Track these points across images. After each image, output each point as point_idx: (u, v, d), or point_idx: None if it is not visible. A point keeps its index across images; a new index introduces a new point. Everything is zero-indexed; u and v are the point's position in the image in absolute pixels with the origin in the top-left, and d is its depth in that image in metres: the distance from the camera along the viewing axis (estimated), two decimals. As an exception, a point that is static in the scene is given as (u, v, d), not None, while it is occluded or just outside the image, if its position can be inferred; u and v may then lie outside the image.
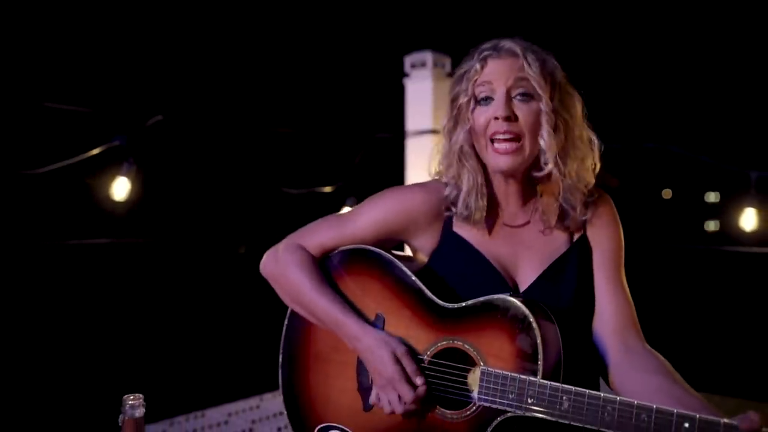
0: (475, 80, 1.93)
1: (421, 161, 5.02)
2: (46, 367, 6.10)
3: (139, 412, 1.66)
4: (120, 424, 1.67)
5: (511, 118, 1.87)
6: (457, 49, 5.17)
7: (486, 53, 1.93)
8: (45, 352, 6.25)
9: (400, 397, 1.85)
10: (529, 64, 1.90)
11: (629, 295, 2.02)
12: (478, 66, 1.93)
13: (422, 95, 5.09)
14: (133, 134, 3.45)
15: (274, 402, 3.78)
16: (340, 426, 2.06)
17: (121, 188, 3.63)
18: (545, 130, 1.90)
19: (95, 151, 3.43)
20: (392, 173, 5.04)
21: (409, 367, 1.86)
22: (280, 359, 2.16)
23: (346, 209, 4.91)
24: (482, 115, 1.91)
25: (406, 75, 5.12)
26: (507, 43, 1.95)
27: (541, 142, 1.91)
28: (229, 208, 6.05)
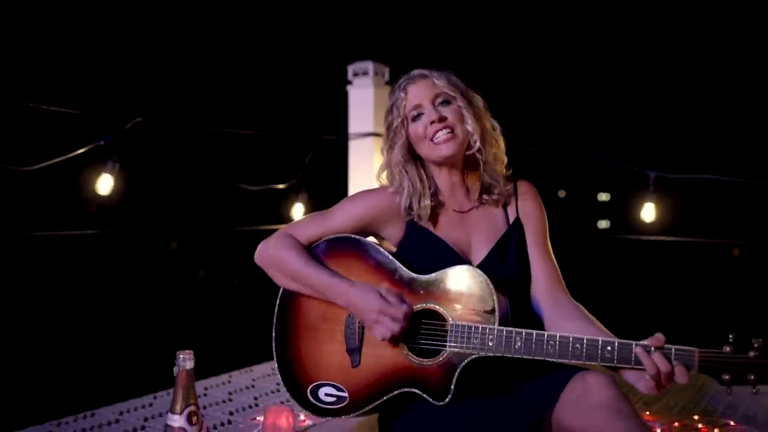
0: (404, 104, 2.41)
1: (363, 160, 5.33)
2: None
3: (190, 364, 1.97)
4: (174, 375, 1.98)
5: (442, 119, 2.34)
6: (395, 60, 5.48)
7: (404, 83, 2.44)
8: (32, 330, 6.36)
9: (393, 318, 2.20)
10: (437, 80, 2.38)
11: (554, 259, 2.48)
12: (402, 94, 2.42)
13: (364, 101, 5.28)
14: (117, 135, 3.68)
15: (242, 378, 4.04)
16: (331, 382, 2.40)
17: (105, 184, 3.86)
18: (468, 119, 2.37)
19: (82, 150, 3.66)
20: (338, 171, 5.36)
21: (392, 297, 2.22)
22: (274, 333, 2.49)
23: (298, 205, 5.22)
24: (419, 126, 2.39)
25: (349, 82, 5.33)
26: (416, 71, 2.45)
27: (468, 128, 2.37)
28: (195, 201, 6.29)
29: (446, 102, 2.40)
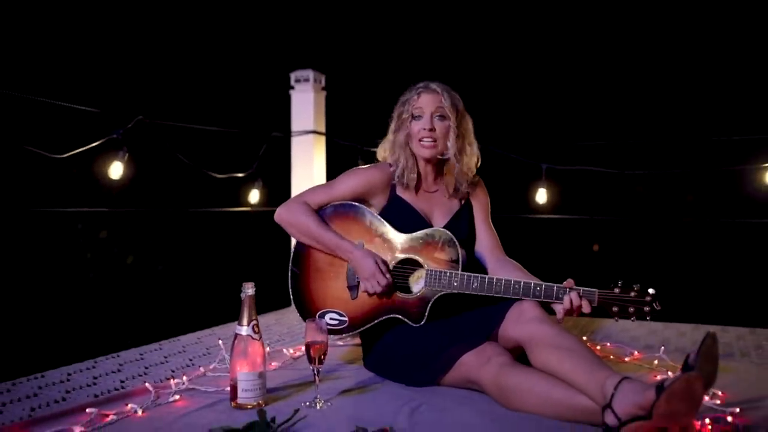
0: (413, 104, 3.02)
1: (304, 154, 5.87)
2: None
3: (251, 291, 2.58)
4: (242, 299, 2.57)
5: (433, 129, 3.00)
6: (331, 69, 6.01)
7: (420, 89, 3.03)
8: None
9: (378, 283, 2.91)
10: (445, 99, 3.00)
11: (494, 230, 3.23)
12: (415, 96, 3.03)
13: (305, 103, 5.82)
14: (127, 129, 4.29)
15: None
16: (335, 310, 3.07)
17: (116, 170, 4.48)
18: (451, 138, 3.04)
19: (100, 141, 4.29)
20: (284, 163, 5.97)
21: (383, 267, 2.93)
22: (290, 274, 3.11)
23: (254, 191, 5.83)
24: (416, 126, 3.03)
25: (292, 87, 5.87)
26: (433, 84, 3.03)
27: (448, 144, 3.04)
28: (179, 185, 6.82)
29: (441, 117, 2.99)
